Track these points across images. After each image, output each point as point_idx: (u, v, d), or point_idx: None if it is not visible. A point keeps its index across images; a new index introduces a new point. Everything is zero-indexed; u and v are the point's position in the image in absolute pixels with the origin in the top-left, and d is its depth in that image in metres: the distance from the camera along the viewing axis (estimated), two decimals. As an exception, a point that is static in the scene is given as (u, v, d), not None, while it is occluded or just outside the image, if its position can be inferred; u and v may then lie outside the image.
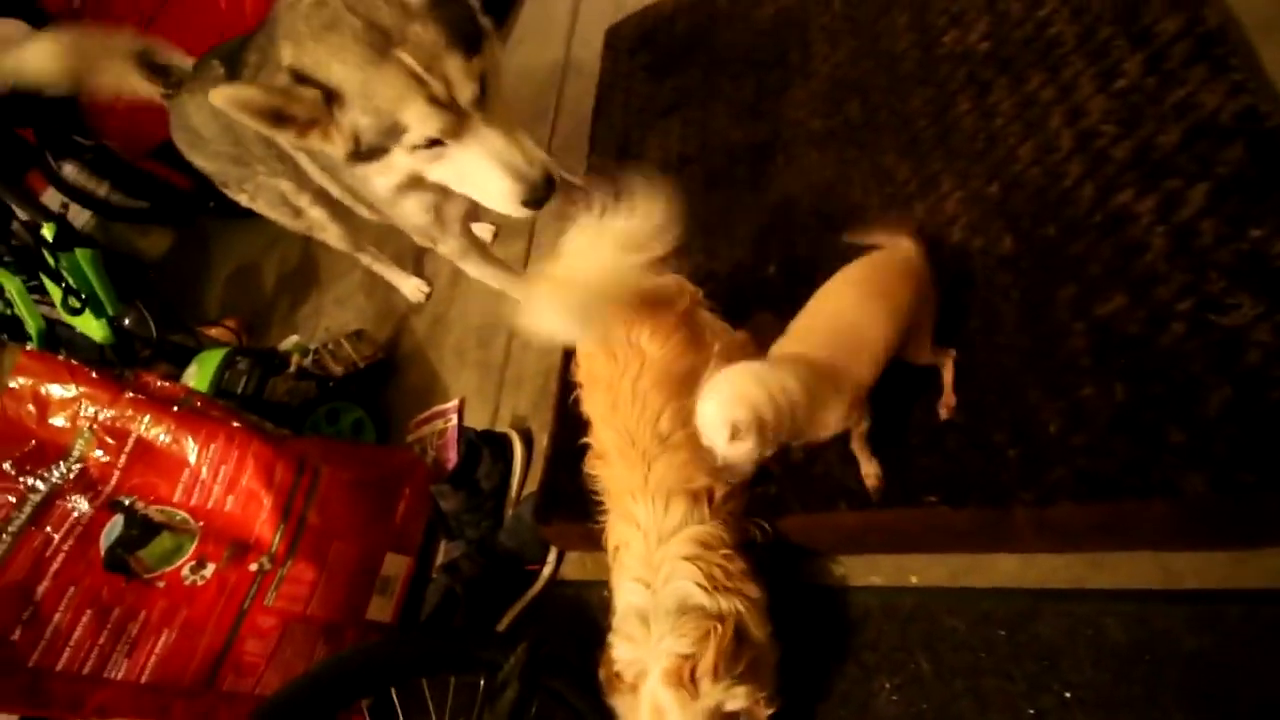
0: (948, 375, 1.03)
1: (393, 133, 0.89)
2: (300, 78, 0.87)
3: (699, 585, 0.93)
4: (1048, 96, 1.18)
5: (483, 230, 2.03)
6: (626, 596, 0.98)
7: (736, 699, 0.87)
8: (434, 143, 0.91)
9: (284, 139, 0.92)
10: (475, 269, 1.44)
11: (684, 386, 1.02)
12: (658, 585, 0.95)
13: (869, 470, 1.02)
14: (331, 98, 0.87)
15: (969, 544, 1.02)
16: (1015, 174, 1.14)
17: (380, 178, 1.01)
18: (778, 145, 1.49)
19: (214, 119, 1.29)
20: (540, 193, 0.95)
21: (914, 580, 1.07)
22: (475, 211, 1.25)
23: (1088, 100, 1.15)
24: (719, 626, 0.89)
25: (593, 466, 1.10)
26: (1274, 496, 0.80)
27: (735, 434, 0.83)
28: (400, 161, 0.95)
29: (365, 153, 0.93)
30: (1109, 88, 1.14)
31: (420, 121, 0.88)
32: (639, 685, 0.90)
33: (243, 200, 1.57)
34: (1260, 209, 0.94)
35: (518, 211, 0.97)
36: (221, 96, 0.85)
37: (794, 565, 1.15)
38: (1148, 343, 0.93)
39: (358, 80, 0.85)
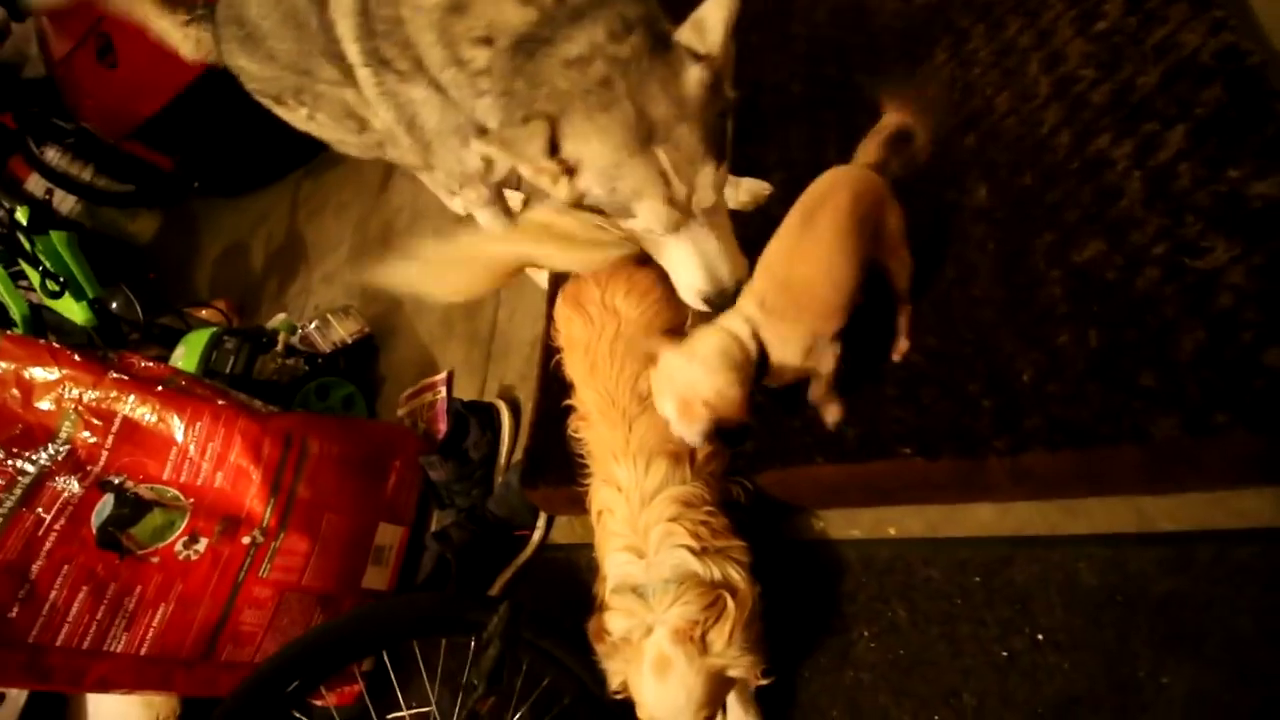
0: (903, 319, 1.04)
1: (620, 211, 0.88)
2: (554, 144, 0.84)
3: (690, 550, 0.93)
4: (1026, 42, 1.16)
5: (512, 197, 1.91)
6: (618, 568, 0.98)
7: (740, 667, 0.88)
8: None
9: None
10: (490, 221, 1.42)
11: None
12: (650, 554, 0.95)
13: (832, 412, 1.03)
14: (573, 168, 0.86)
15: (946, 495, 1.03)
16: (992, 123, 1.12)
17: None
18: (757, 116, 1.46)
19: (275, 7, 1.16)
20: (724, 300, 0.95)
21: (892, 532, 1.09)
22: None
23: (1067, 44, 1.12)
24: (729, 596, 0.89)
25: (576, 429, 1.11)
26: (1246, 437, 0.81)
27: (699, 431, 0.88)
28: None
29: (584, 207, 0.92)
30: (1089, 30, 1.11)
31: (650, 215, 0.87)
32: (641, 642, 0.90)
33: (300, 118, 1.39)
34: (1238, 149, 0.92)
35: (694, 303, 0.98)
36: (480, 151, 0.85)
37: (775, 521, 1.17)
38: (1123, 288, 0.92)
39: (609, 161, 0.84)
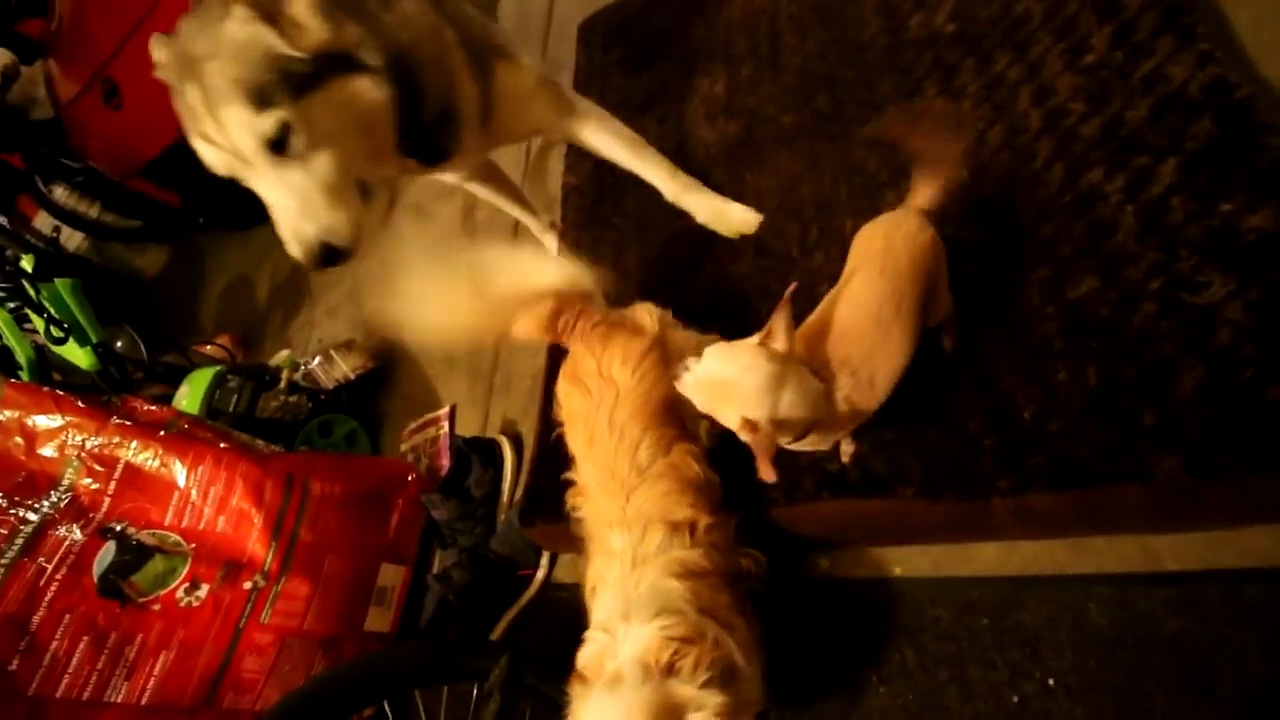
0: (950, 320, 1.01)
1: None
2: None
3: (682, 597, 0.86)
4: (1015, 76, 1.17)
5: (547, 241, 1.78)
6: (601, 612, 0.91)
7: (704, 709, 0.74)
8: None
9: None
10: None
11: (661, 414, 1.00)
12: (633, 592, 0.88)
13: (847, 449, 1.02)
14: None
15: (950, 534, 1.02)
16: (984, 158, 1.13)
17: None
18: (750, 145, 1.48)
19: None
20: (313, 256, 0.93)
21: (898, 571, 1.07)
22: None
23: (1056, 78, 1.13)
24: (709, 632, 0.82)
25: (575, 506, 1.06)
26: (1249, 476, 0.80)
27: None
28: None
29: None
30: (1077, 64, 1.12)
31: (201, 151, 0.91)
32: (604, 664, 0.80)
33: None
34: (1230, 182, 0.93)
35: (301, 258, 0.94)
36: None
37: (780, 560, 1.15)
38: (1119, 324, 0.92)
39: (171, 88, 0.90)
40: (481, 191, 1.60)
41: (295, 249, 0.93)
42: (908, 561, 1.07)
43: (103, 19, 2.68)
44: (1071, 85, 1.11)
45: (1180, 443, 0.82)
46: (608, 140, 1.29)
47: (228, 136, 0.87)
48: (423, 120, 1.02)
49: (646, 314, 1.09)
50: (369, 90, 0.94)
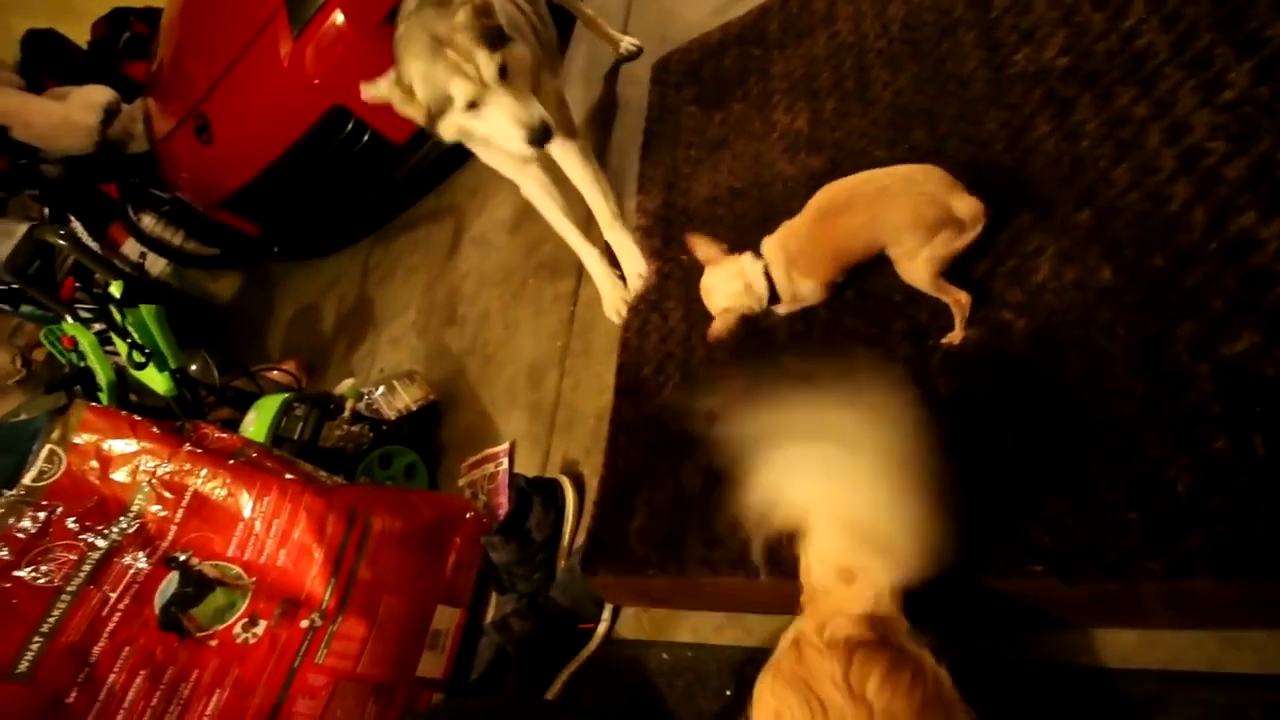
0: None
1: (445, 101, 1.35)
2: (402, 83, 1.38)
3: None
4: (1141, 113, 1.08)
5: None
6: None
7: None
8: (472, 105, 1.35)
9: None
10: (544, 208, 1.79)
11: None
12: None
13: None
14: (410, 86, 1.36)
15: (1080, 618, 0.90)
16: (1110, 199, 1.03)
17: (446, 134, 1.45)
18: (836, 175, 1.41)
19: None
20: (537, 135, 1.35)
21: (1012, 656, 0.95)
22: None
23: (1190, 115, 1.03)
24: None
25: None
26: None
27: None
28: (455, 120, 1.39)
29: (433, 116, 1.38)
30: (1214, 100, 1.03)
31: (458, 90, 1.32)
32: None
33: None
34: None
35: (525, 149, 1.37)
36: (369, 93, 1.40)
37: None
38: (1289, 388, 0.80)
39: (423, 70, 1.33)
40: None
41: (521, 131, 1.34)
42: (1021, 646, 0.95)
43: (199, 61, 2.84)
44: (1209, 123, 1.02)
45: (1382, 531, 0.70)
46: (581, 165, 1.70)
47: (479, 70, 1.31)
48: None
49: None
50: (525, 50, 1.43)
